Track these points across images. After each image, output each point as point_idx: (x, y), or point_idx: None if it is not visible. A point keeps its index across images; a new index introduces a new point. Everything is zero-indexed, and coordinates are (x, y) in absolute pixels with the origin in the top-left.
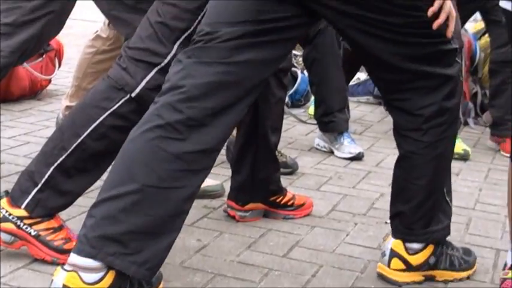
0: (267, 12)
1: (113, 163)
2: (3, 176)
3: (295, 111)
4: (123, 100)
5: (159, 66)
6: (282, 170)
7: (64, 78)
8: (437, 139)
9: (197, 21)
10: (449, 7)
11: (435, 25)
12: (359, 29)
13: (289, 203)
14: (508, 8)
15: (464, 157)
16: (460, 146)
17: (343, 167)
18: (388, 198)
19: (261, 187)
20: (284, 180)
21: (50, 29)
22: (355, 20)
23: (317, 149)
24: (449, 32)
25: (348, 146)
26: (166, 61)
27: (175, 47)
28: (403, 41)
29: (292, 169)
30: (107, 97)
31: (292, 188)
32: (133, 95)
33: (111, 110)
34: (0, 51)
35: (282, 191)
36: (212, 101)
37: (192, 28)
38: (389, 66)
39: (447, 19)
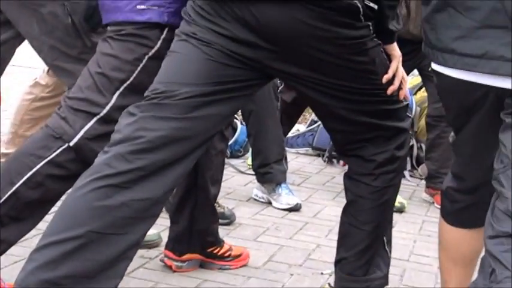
0: (225, 76)
1: (57, 210)
2: None
3: (234, 161)
4: (60, 149)
5: (98, 116)
6: (219, 220)
7: (2, 126)
8: (386, 185)
9: (136, 72)
10: (402, 73)
11: (389, 91)
12: (315, 89)
13: (226, 254)
14: (436, 69)
15: (400, 209)
16: (398, 199)
17: (281, 218)
18: (325, 249)
19: (198, 238)
20: (221, 231)
21: None
22: (311, 83)
23: (255, 199)
24: (402, 95)
25: (285, 197)
26: (105, 111)
27: (115, 97)
28: (359, 100)
29: (229, 220)
30: (44, 145)
31: (229, 238)
32: (71, 144)
33: (48, 158)
34: None
35: (219, 242)
36: (164, 154)
37: (132, 79)
38: (346, 121)
39: (400, 83)
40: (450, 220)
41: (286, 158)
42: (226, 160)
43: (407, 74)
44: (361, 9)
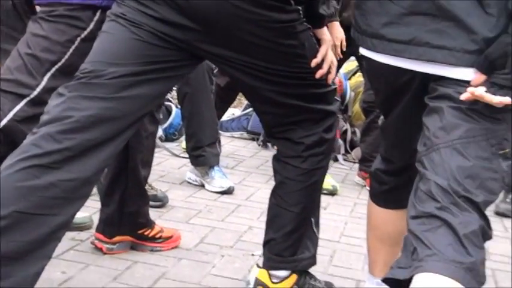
0: (153, 56)
1: None
2: None
3: (168, 144)
4: None
5: (28, 98)
6: (152, 203)
7: None
8: (314, 167)
9: (68, 54)
10: (331, 57)
11: (318, 75)
12: (244, 71)
13: (157, 236)
14: (365, 54)
15: (332, 192)
16: (329, 182)
17: (213, 201)
18: (256, 231)
19: (129, 220)
20: (153, 213)
21: None
22: (241, 66)
23: (189, 182)
24: (330, 79)
25: (218, 180)
26: (35, 93)
27: (45, 79)
28: (287, 83)
29: (162, 202)
30: None
31: (162, 220)
32: (3, 122)
33: None
34: None
35: (150, 224)
36: (93, 134)
37: (63, 61)
38: (275, 103)
39: (329, 67)
40: (378, 201)
41: (220, 142)
42: (160, 143)
43: (346, 60)
44: None
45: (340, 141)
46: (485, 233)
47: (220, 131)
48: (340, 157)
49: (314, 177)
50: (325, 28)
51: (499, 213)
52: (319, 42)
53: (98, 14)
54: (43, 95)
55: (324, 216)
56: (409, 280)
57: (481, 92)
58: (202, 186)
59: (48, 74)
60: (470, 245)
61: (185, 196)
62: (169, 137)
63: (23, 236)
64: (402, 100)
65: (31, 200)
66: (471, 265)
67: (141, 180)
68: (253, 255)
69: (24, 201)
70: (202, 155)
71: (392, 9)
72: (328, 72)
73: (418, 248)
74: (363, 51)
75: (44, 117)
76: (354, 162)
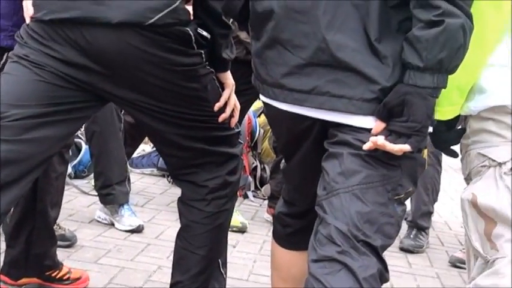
0: (57, 97)
1: None
2: None
3: (78, 182)
4: None
5: None
6: (60, 243)
7: None
8: (219, 210)
9: None
10: (234, 100)
11: (221, 118)
12: (147, 114)
13: (65, 277)
14: (266, 101)
15: (242, 230)
16: (237, 219)
17: (123, 240)
18: (165, 270)
19: (35, 262)
20: (62, 253)
21: None
22: (144, 108)
23: (98, 221)
24: (233, 123)
25: (128, 219)
26: None
27: None
28: (190, 126)
29: (70, 242)
30: None
31: (70, 261)
32: None
33: None
34: None
35: (57, 266)
36: None
37: None
38: (178, 146)
39: (232, 111)
40: (281, 243)
41: (129, 179)
42: (69, 181)
43: (256, 99)
44: (194, 37)
45: (250, 178)
46: (383, 276)
47: (130, 168)
48: (250, 194)
49: (219, 219)
50: (228, 72)
51: (403, 249)
52: (222, 86)
53: (5, 56)
54: None
55: (234, 254)
56: None
57: (382, 141)
58: (112, 224)
59: None
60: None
61: (94, 235)
62: (78, 174)
63: None
64: (303, 145)
65: None
66: None
67: (50, 222)
68: None
69: None
70: (111, 193)
71: (292, 60)
72: (231, 115)
73: None
74: (263, 98)
75: None
76: (264, 199)
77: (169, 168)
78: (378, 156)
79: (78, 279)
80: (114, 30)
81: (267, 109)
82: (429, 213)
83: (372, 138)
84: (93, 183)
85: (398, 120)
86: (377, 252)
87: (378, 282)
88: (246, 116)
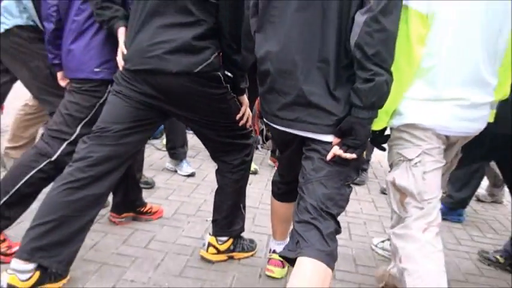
0: (139, 116)
1: (41, 203)
2: None
3: (154, 141)
4: (45, 162)
5: (68, 141)
6: (144, 186)
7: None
8: (239, 178)
9: (91, 113)
10: (248, 112)
11: (241, 123)
12: (196, 123)
13: (148, 211)
14: (268, 123)
15: (254, 172)
16: (252, 165)
17: (182, 182)
18: (209, 203)
19: (130, 203)
20: (146, 192)
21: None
22: (194, 119)
23: (167, 169)
24: (248, 125)
25: (186, 168)
26: (72, 138)
27: (78, 129)
28: (222, 128)
29: (150, 185)
30: (35, 160)
31: (151, 198)
32: (52, 159)
33: (38, 168)
34: None
35: (143, 204)
36: (105, 167)
37: (89, 117)
38: (215, 140)
39: (247, 119)
40: (277, 198)
41: (187, 143)
42: (149, 141)
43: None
44: (222, 77)
45: (259, 137)
46: (337, 231)
47: (187, 131)
48: (259, 146)
49: (240, 183)
50: (244, 95)
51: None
52: (241, 103)
53: (109, 86)
54: (77, 138)
55: (249, 189)
56: (294, 259)
57: (339, 151)
58: (175, 171)
59: (80, 126)
60: (330, 240)
61: (165, 179)
62: (154, 136)
63: (66, 230)
64: (289, 148)
65: (70, 208)
66: (330, 252)
67: (136, 180)
68: (207, 220)
69: (66, 209)
70: (176, 153)
71: (282, 101)
72: (247, 121)
73: (299, 241)
74: (266, 121)
75: (75, 156)
76: (268, 150)
77: (210, 152)
78: (336, 159)
79: (156, 212)
80: (173, 76)
81: (270, 127)
82: (368, 160)
83: (333, 149)
84: (164, 143)
85: (348, 138)
86: (335, 218)
87: (335, 236)
88: (257, 101)
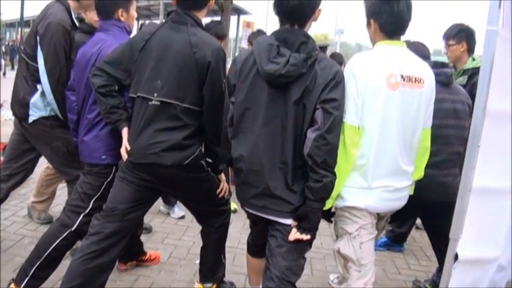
0: (140, 196)
1: (66, 269)
2: None
3: None
4: (67, 232)
5: (83, 213)
6: (144, 231)
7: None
8: (220, 236)
9: (101, 190)
10: (226, 186)
11: (220, 195)
12: (184, 197)
13: (148, 258)
14: (244, 207)
15: (234, 211)
16: (232, 205)
17: (174, 224)
18: (198, 245)
19: (133, 253)
20: (145, 237)
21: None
22: (184, 195)
23: (161, 211)
24: (225, 196)
25: (177, 212)
26: (87, 211)
27: (91, 203)
28: (205, 200)
29: (148, 230)
30: (59, 230)
31: (149, 242)
32: (73, 229)
33: (62, 237)
34: None
35: (144, 253)
36: (115, 239)
37: (99, 193)
38: (198, 208)
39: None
40: (251, 254)
41: None
42: None
43: None
44: (205, 164)
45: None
46: None
47: None
48: None
49: (220, 240)
50: (222, 174)
51: None
52: (220, 180)
53: (114, 168)
54: (91, 211)
55: (229, 228)
56: None
57: (298, 235)
58: (168, 214)
59: (92, 201)
60: None
61: (160, 222)
62: None
63: None
64: (259, 224)
65: (88, 274)
66: None
67: (138, 235)
68: (195, 263)
69: (85, 275)
70: (168, 199)
71: (253, 192)
72: (225, 193)
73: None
74: (241, 205)
75: (90, 230)
76: None
77: (195, 217)
78: (291, 238)
79: (155, 258)
80: (168, 167)
81: (243, 209)
82: None
83: (293, 232)
84: None
85: (304, 222)
86: (293, 284)
87: None
88: None
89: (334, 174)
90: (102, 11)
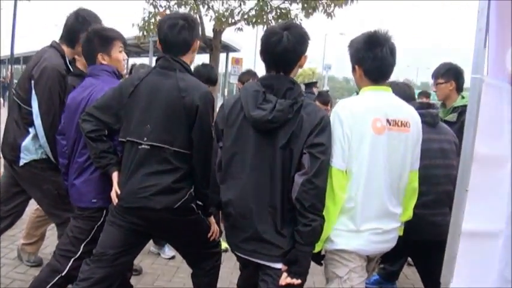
0: (130, 240)
1: None
2: None
3: None
4: (57, 277)
5: (74, 258)
6: (134, 273)
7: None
8: (211, 278)
9: (91, 234)
10: (216, 228)
11: (211, 238)
12: (174, 241)
13: None
14: (233, 250)
15: (225, 251)
16: (223, 244)
17: (164, 265)
18: (188, 286)
19: None
20: (134, 279)
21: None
22: (173, 238)
23: (151, 251)
24: (216, 238)
25: (167, 252)
26: (77, 255)
27: (82, 247)
28: (195, 243)
29: (138, 272)
30: (50, 275)
31: (140, 284)
32: (63, 274)
33: (52, 282)
34: None
35: None
36: (104, 284)
37: (90, 237)
38: (190, 251)
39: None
40: None
41: None
42: None
43: None
44: (195, 207)
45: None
46: None
47: None
48: None
49: (211, 282)
50: (212, 217)
51: None
52: (210, 223)
53: (104, 211)
54: (82, 255)
55: (221, 269)
56: None
57: (289, 279)
58: (159, 254)
59: (83, 245)
60: None
61: (150, 263)
62: None
63: None
64: (248, 268)
65: None
66: None
67: (128, 279)
68: None
69: None
70: (159, 241)
71: (242, 235)
72: (215, 236)
73: None
74: (231, 249)
75: (80, 275)
76: None
77: (186, 260)
78: (282, 283)
79: None
80: (158, 211)
81: (234, 254)
82: None
83: (283, 278)
84: None
85: (294, 266)
86: None
87: None
88: None
89: (323, 217)
90: (85, 56)
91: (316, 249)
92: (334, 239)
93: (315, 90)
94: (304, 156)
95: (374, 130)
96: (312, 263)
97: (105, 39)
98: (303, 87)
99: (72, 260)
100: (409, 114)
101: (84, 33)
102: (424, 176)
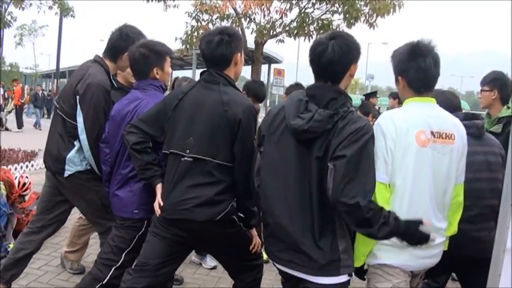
0: (172, 251)
1: None
2: None
3: None
4: (98, 285)
5: (115, 266)
6: (175, 283)
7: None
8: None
9: (133, 243)
10: (258, 241)
11: (253, 250)
12: (217, 252)
13: None
14: (273, 262)
15: (266, 262)
16: (264, 255)
17: (206, 275)
18: None
19: None
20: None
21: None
22: (215, 250)
23: (193, 261)
24: (257, 251)
25: (209, 262)
26: (119, 264)
27: (123, 256)
28: (237, 255)
29: (179, 283)
30: (91, 284)
31: None
32: (104, 282)
33: None
34: None
35: None
36: None
37: (131, 247)
38: (232, 264)
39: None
40: None
41: None
42: None
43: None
44: (237, 219)
45: None
46: None
47: None
48: None
49: None
50: (253, 229)
51: None
52: (252, 235)
53: (145, 222)
54: (123, 264)
55: (262, 281)
56: None
57: None
58: (200, 264)
59: (124, 253)
60: None
61: (192, 273)
62: None
63: None
64: (290, 283)
65: None
66: None
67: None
68: None
69: None
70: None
71: (281, 246)
72: (257, 248)
73: None
74: (270, 258)
75: (122, 285)
76: None
77: (228, 271)
78: None
79: None
80: (199, 223)
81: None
82: None
83: None
84: None
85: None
86: None
87: None
88: None
89: (379, 208)
90: (138, 72)
91: (359, 263)
92: (377, 253)
93: (375, 101)
94: (328, 170)
95: (418, 143)
96: (355, 280)
97: (159, 54)
98: (361, 97)
99: (114, 268)
100: (454, 126)
101: (135, 49)
102: (468, 190)
